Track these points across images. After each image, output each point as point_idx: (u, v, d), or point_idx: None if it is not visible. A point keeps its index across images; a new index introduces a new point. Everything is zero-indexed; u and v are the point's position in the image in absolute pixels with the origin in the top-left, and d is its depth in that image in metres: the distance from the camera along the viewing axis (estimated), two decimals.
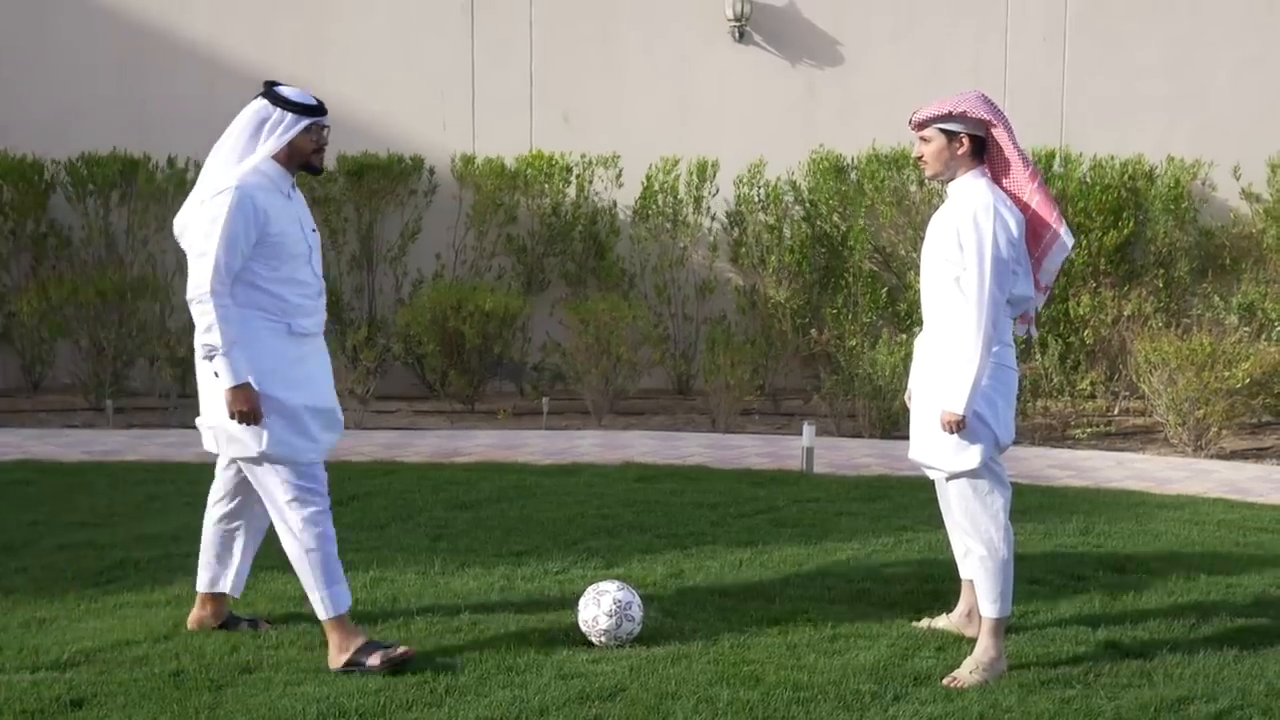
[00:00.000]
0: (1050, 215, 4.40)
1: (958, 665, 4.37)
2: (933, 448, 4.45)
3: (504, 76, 10.90)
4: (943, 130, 4.40)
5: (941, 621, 4.83)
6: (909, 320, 9.92)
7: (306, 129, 4.40)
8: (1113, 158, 10.53)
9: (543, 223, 10.64)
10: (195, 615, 4.72)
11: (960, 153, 4.40)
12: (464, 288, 10.02)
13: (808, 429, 7.72)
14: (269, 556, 5.64)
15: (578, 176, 10.65)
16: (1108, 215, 10.15)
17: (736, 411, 9.54)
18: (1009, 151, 4.41)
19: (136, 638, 4.58)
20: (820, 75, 11.06)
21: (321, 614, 4.39)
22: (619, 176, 10.70)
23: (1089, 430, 9.32)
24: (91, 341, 9.83)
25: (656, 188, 10.57)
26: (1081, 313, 9.89)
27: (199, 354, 4.30)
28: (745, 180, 10.59)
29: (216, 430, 4.42)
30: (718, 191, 10.66)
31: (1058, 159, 10.41)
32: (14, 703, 3.99)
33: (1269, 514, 6.77)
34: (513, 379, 10.47)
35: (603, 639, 4.56)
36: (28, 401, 10.02)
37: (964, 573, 4.73)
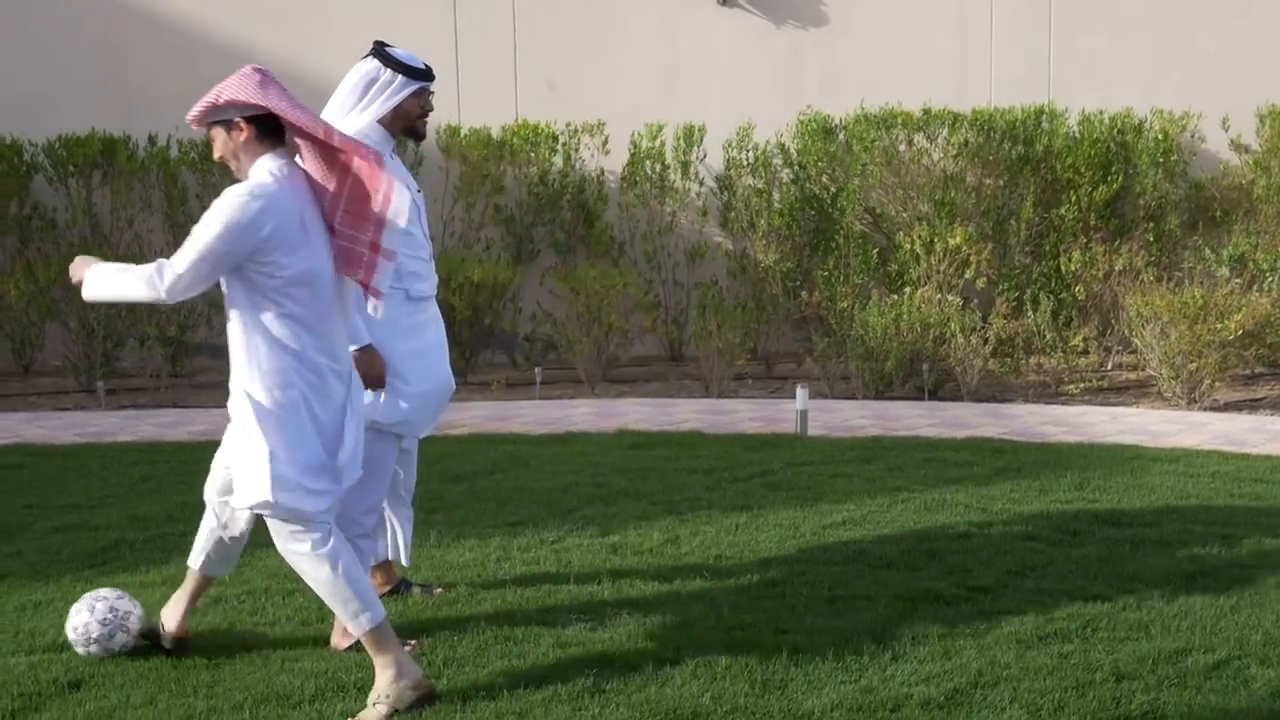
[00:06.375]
0: (374, 182, 3.78)
1: (955, 625, 4.37)
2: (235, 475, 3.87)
3: (487, 46, 10.82)
4: (219, 123, 3.82)
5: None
6: (900, 281, 9.89)
7: (415, 93, 4.34)
8: (1101, 112, 10.48)
9: (530, 192, 10.58)
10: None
11: (244, 139, 3.79)
12: (453, 260, 9.97)
13: (801, 392, 7.71)
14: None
15: (564, 145, 10.59)
16: (1097, 170, 10.12)
17: (729, 376, 9.53)
18: (301, 123, 3.74)
19: None
20: (805, 36, 10.98)
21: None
22: (605, 144, 10.64)
23: (1082, 386, 9.32)
24: (81, 323, 9.78)
25: (643, 154, 10.52)
26: (1073, 268, 9.87)
27: None
28: (734, 144, 10.54)
29: None
30: (705, 156, 10.61)
31: (1046, 115, 10.36)
32: (12, 685, 3.98)
33: (1263, 464, 6.79)
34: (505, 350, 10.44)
35: (93, 648, 4.20)
36: (19, 385, 9.98)
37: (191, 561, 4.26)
